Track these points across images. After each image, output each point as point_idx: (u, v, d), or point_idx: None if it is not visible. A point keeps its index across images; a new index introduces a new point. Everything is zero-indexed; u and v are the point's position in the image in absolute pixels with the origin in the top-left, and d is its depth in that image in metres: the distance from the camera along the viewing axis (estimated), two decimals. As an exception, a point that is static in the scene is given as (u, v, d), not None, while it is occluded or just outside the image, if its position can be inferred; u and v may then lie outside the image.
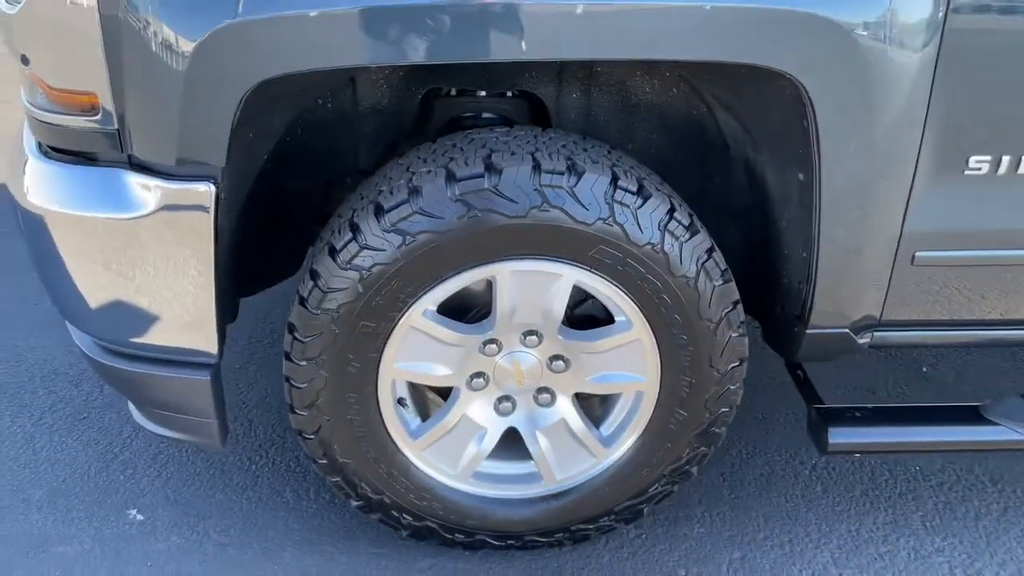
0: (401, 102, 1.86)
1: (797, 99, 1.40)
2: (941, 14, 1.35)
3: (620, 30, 1.33)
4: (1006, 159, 1.46)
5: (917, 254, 1.55)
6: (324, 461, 1.66)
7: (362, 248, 1.46)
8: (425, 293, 1.50)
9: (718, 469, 2.10)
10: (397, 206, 1.45)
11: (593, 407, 1.75)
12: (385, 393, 1.60)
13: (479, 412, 1.67)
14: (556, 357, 1.64)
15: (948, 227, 1.54)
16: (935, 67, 1.38)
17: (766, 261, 1.76)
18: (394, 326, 1.52)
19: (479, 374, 1.64)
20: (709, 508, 1.99)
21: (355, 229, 1.47)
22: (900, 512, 2.02)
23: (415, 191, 1.45)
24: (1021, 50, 1.40)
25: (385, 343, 1.54)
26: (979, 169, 1.47)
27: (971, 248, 1.57)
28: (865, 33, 1.33)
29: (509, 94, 1.87)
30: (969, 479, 2.12)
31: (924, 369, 2.54)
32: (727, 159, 1.79)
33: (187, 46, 1.28)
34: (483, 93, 1.85)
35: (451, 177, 1.44)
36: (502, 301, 1.54)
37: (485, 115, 1.86)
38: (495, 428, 1.69)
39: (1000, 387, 2.41)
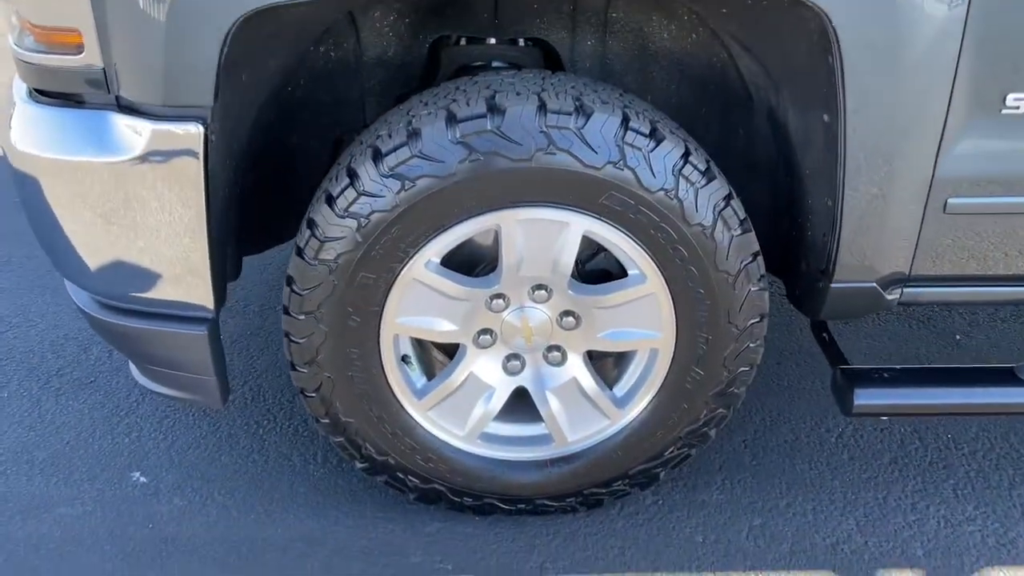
0: (408, 52, 1.79)
1: (821, 31, 1.30)
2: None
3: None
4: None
5: (950, 201, 1.45)
6: (327, 420, 1.60)
7: (360, 195, 1.39)
8: (427, 243, 1.43)
9: (740, 436, 2.02)
10: (395, 149, 1.38)
11: (606, 367, 1.67)
12: (388, 349, 1.54)
13: (486, 371, 1.60)
14: (566, 313, 1.56)
15: (983, 172, 1.43)
16: (970, -3, 1.27)
17: (790, 215, 1.66)
18: (395, 278, 1.46)
19: (486, 331, 1.57)
20: (730, 475, 1.91)
21: (352, 175, 1.40)
22: (930, 480, 1.92)
23: (414, 134, 1.37)
24: None
25: (386, 296, 1.47)
26: (1018, 108, 1.37)
27: (1009, 195, 1.46)
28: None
29: (521, 42, 1.79)
30: (1004, 447, 2.01)
31: (958, 337, 2.43)
32: (750, 109, 1.70)
33: (169, -21, 1.22)
34: (493, 40, 1.77)
35: (452, 118, 1.37)
36: (508, 252, 1.47)
37: (496, 64, 1.78)
38: (503, 388, 1.62)
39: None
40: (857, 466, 1.95)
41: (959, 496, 1.88)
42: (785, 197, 1.66)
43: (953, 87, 1.35)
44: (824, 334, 1.84)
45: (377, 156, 1.39)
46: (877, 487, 1.89)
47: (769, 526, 1.79)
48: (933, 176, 1.42)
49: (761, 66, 1.56)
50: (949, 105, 1.36)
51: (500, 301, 1.54)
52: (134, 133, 1.33)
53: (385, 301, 1.48)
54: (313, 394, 1.57)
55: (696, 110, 1.78)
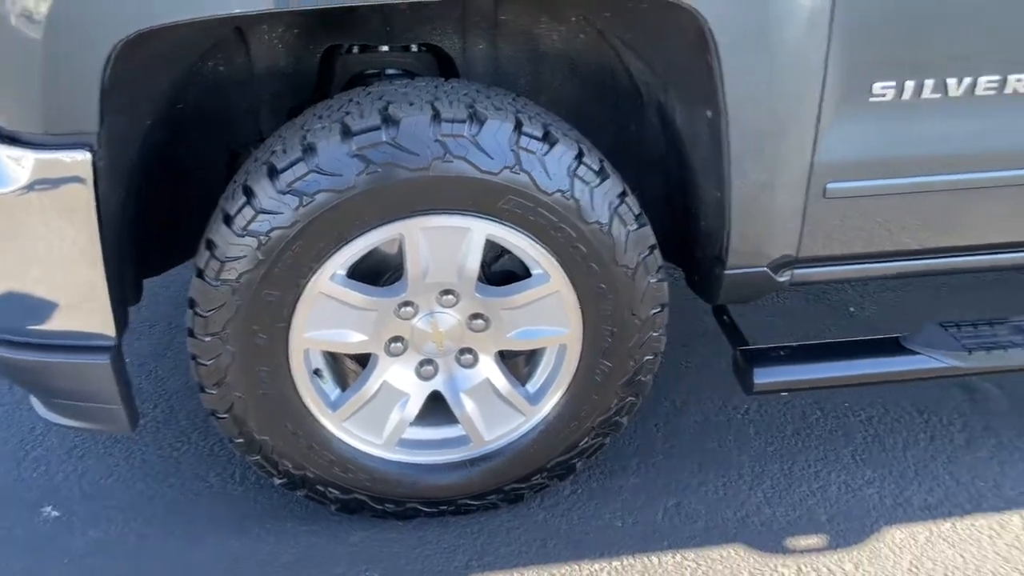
0: (300, 62, 1.77)
1: (698, 31, 1.36)
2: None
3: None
4: (910, 84, 1.45)
5: (829, 186, 1.54)
6: (241, 440, 1.59)
7: (258, 213, 1.38)
8: (331, 256, 1.44)
9: (652, 420, 2.09)
10: (291, 165, 1.37)
11: (517, 365, 1.71)
12: (298, 364, 1.53)
13: (400, 378, 1.61)
14: (475, 316, 1.59)
15: (858, 157, 1.53)
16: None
17: (683, 206, 1.73)
18: (301, 293, 1.45)
19: (397, 339, 1.58)
20: (644, 459, 1.98)
21: (249, 193, 1.39)
22: (831, 448, 2.03)
23: (310, 148, 1.37)
24: None
25: (292, 312, 1.47)
26: (884, 96, 1.46)
27: (883, 177, 1.56)
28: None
29: (414, 48, 1.80)
30: (896, 411, 2.15)
31: (851, 309, 2.57)
32: (641, 106, 1.76)
33: (43, 2, 1.18)
34: (386, 48, 1.78)
35: (347, 132, 1.37)
36: (413, 260, 1.48)
37: (389, 71, 1.79)
38: (418, 393, 1.64)
39: (920, 318, 2.45)
40: (763, 440, 2.05)
41: (858, 461, 2.00)
42: (678, 189, 1.72)
43: (825, 79, 1.43)
44: (725, 317, 1.93)
45: (273, 173, 1.38)
46: (782, 459, 2.00)
47: (684, 505, 1.86)
48: (812, 164, 1.51)
49: (647, 65, 1.62)
50: (822, 96, 1.44)
51: (409, 308, 1.55)
52: (17, 164, 1.28)
53: (292, 317, 1.47)
54: (225, 415, 1.55)
55: (589, 108, 1.83)
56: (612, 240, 1.51)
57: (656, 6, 1.34)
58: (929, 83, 1.45)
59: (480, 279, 1.56)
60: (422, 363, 1.62)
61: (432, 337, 1.58)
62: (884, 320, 2.51)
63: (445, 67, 1.80)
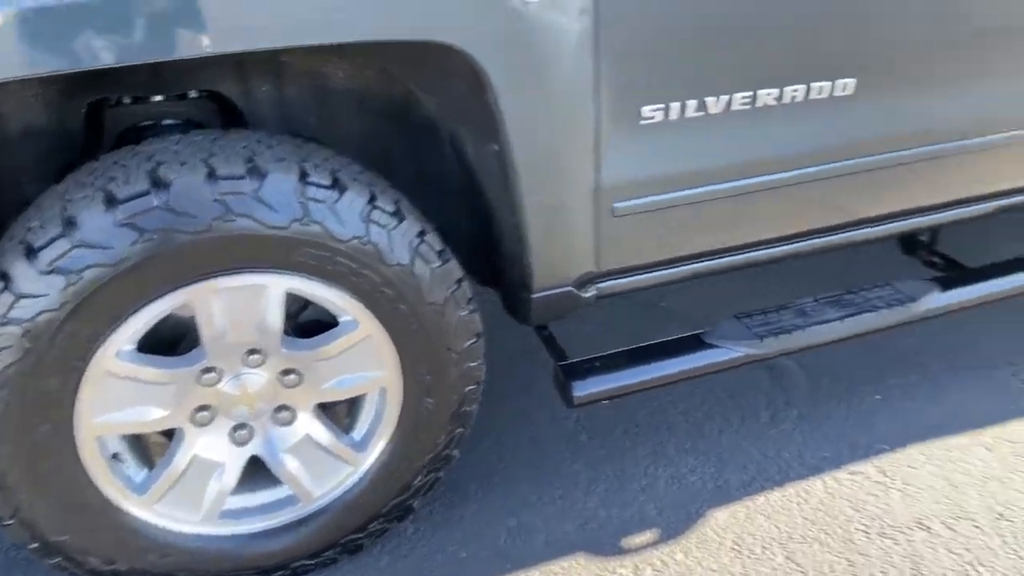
0: (63, 119, 1.62)
1: (474, 72, 1.38)
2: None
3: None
4: (675, 106, 1.54)
5: (615, 205, 1.61)
6: (35, 545, 1.43)
7: (18, 298, 1.24)
8: (112, 333, 1.32)
9: (487, 442, 2.10)
10: (51, 242, 1.25)
11: (338, 414, 1.66)
12: (91, 453, 1.40)
13: (212, 448, 1.52)
14: (287, 371, 1.52)
15: (638, 175, 1.60)
16: (596, 23, 1.41)
17: (488, 233, 1.75)
18: (82, 376, 1.33)
19: (203, 407, 1.48)
20: (482, 483, 1.99)
21: (5, 277, 1.25)
22: (657, 442, 2.14)
23: (70, 222, 1.26)
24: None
25: (75, 398, 1.34)
26: (653, 118, 1.54)
27: (664, 191, 1.65)
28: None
29: (192, 95, 1.69)
30: (711, 399, 2.29)
31: (662, 304, 2.72)
32: (436, 137, 1.75)
33: None
34: (160, 98, 1.66)
35: (111, 200, 1.27)
36: (207, 325, 1.40)
37: (167, 122, 1.68)
38: (235, 461, 1.55)
39: (727, 306, 2.63)
40: (595, 445, 2.13)
41: (681, 452, 2.11)
42: (480, 218, 1.74)
43: (598, 107, 1.49)
44: (545, 332, 1.97)
45: (31, 252, 1.25)
46: (613, 461, 2.07)
47: (524, 523, 1.89)
48: (597, 186, 1.57)
49: (433, 101, 1.62)
50: (597, 123, 1.50)
51: (212, 374, 1.46)
52: None
53: (75, 403, 1.34)
54: (11, 521, 1.39)
55: (385, 143, 1.81)
56: (417, 280, 1.50)
57: (429, 50, 1.34)
58: (691, 103, 1.55)
59: (287, 332, 1.50)
60: (235, 428, 1.53)
61: (242, 400, 1.50)
62: (693, 309, 2.68)
63: (228, 113, 1.71)
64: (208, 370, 1.45)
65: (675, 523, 1.90)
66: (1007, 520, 1.89)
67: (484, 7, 1.30)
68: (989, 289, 2.14)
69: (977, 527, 1.87)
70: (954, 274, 2.17)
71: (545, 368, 2.36)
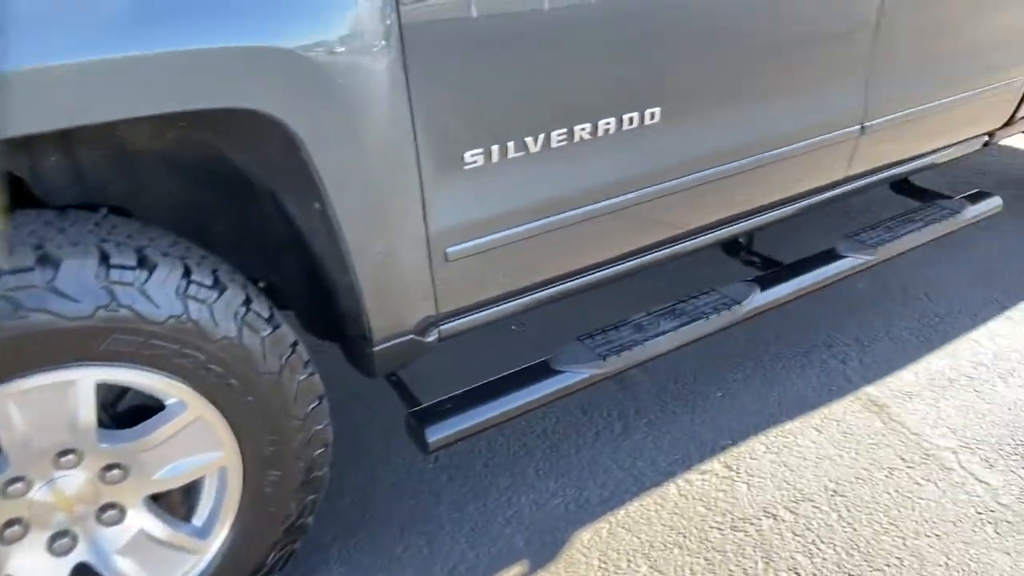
0: None
1: (284, 132, 1.33)
2: (392, 17, 1.35)
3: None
4: (495, 148, 1.56)
5: (448, 250, 1.61)
6: None
7: None
8: None
9: (346, 499, 2.04)
10: None
11: (174, 502, 1.55)
12: None
13: (28, 566, 1.37)
14: (109, 467, 1.40)
15: (468, 219, 1.61)
16: (406, 74, 1.40)
17: (322, 288, 1.70)
18: None
19: (12, 522, 1.34)
20: (345, 542, 1.93)
21: None
22: (517, 470, 2.16)
23: None
24: (476, 41, 1.47)
25: None
26: (476, 162, 1.55)
27: (495, 231, 1.66)
28: (324, 56, 1.29)
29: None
30: (565, 417, 2.35)
31: (512, 327, 2.75)
32: (256, 195, 1.68)
33: None
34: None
35: None
36: (6, 433, 1.26)
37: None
38: (59, 574, 1.41)
39: (572, 328, 2.70)
40: (456, 483, 2.12)
41: (541, 475, 2.15)
42: (312, 274, 1.68)
43: (418, 157, 1.48)
44: (394, 377, 1.94)
45: None
46: (476, 496, 2.08)
47: (392, 577, 1.85)
48: (427, 234, 1.56)
49: (247, 160, 1.55)
50: (420, 172, 1.49)
51: (20, 484, 1.32)
52: None
53: None
54: None
55: (203, 204, 1.71)
56: (247, 351, 1.42)
57: (231, 114, 1.27)
58: (511, 145, 1.57)
59: (105, 425, 1.38)
60: (54, 538, 1.39)
61: (59, 506, 1.37)
62: (544, 329, 2.73)
63: (15, 189, 1.55)
64: (14, 480, 1.31)
65: (542, 550, 1.93)
66: (840, 496, 2.06)
67: (286, 69, 1.26)
68: (803, 283, 2.32)
69: (816, 507, 2.03)
70: (771, 272, 2.34)
71: (400, 409, 2.34)
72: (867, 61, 2.12)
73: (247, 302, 1.44)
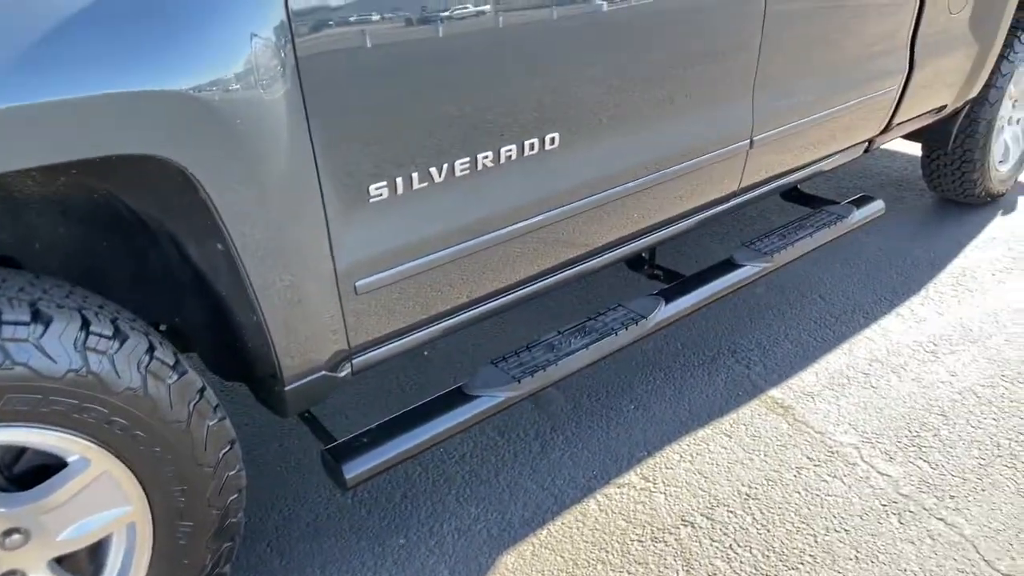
0: None
1: (182, 174, 1.33)
2: (287, 50, 1.38)
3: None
4: (399, 180, 1.61)
5: (358, 284, 1.64)
6: None
7: None
8: None
9: (263, 542, 2.03)
10: None
11: (80, 562, 1.51)
12: None
13: (-79, 646, 1.32)
14: (8, 532, 1.36)
15: (377, 251, 1.65)
16: (305, 109, 1.43)
17: (229, 329, 1.69)
18: None
19: (-97, 601, 1.29)
20: (264, 588, 1.92)
21: None
22: (438, 498, 2.20)
23: None
24: (374, 73, 1.52)
25: None
26: (381, 195, 1.60)
27: (404, 262, 1.70)
28: (218, 95, 1.30)
29: None
30: (483, 440, 2.40)
31: (425, 353, 2.79)
32: (154, 237, 1.66)
33: None
34: None
35: None
36: None
37: None
38: (-43, 650, 1.36)
39: (484, 350, 2.76)
40: (377, 518, 2.13)
41: (462, 502, 2.19)
42: (217, 314, 1.68)
43: (322, 192, 1.51)
44: (307, 414, 1.95)
45: None
46: (398, 529, 2.10)
47: (316, 621, 1.86)
48: (335, 269, 1.59)
49: (143, 204, 1.54)
50: (324, 208, 1.52)
51: (-91, 560, 1.27)
52: None
53: None
54: None
55: (99, 249, 1.68)
56: (152, 401, 1.42)
57: (127, 158, 1.28)
58: (415, 176, 1.62)
59: (2, 487, 1.34)
60: (-49, 613, 1.35)
61: (-46, 580, 1.33)
62: (454, 353, 2.78)
63: None
64: (-97, 556, 1.26)
65: (468, 578, 1.97)
66: (753, 499, 2.19)
67: (178, 111, 1.27)
68: (705, 293, 2.46)
69: (731, 512, 2.15)
70: (675, 284, 2.47)
71: (315, 444, 2.35)
72: (753, 78, 2.28)
73: (150, 350, 1.43)
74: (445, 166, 1.67)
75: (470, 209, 1.76)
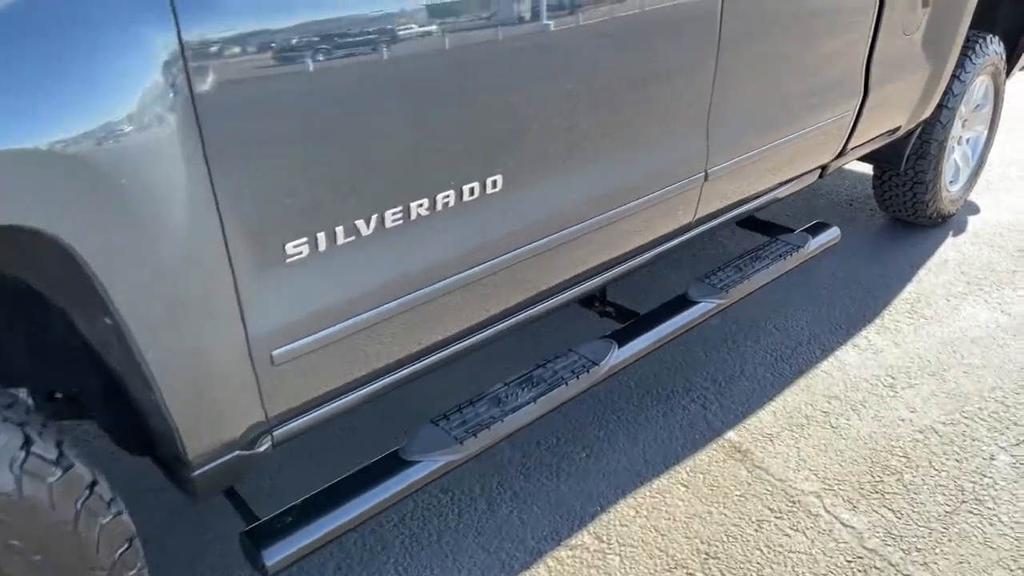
0: None
1: (59, 244, 1.16)
2: (184, 92, 1.21)
3: None
4: (320, 236, 1.45)
5: (275, 353, 1.48)
6: None
7: None
8: None
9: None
10: None
11: None
12: None
13: None
14: None
15: (295, 316, 1.49)
16: (205, 159, 1.27)
17: (129, 408, 1.52)
18: None
19: None
20: None
21: None
22: (375, 569, 2.04)
23: None
24: (289, 115, 1.36)
25: None
26: (300, 253, 1.44)
27: (329, 325, 1.55)
28: (95, 150, 1.12)
29: None
30: (424, 498, 2.25)
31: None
32: (45, 308, 1.48)
33: None
34: None
35: None
36: None
37: None
38: None
39: (423, 401, 2.61)
40: (304, 596, 1.97)
41: (402, 571, 2.04)
42: (116, 393, 1.50)
43: (229, 254, 1.34)
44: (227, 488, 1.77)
45: None
46: (328, 608, 1.94)
47: None
48: (247, 340, 1.42)
49: (25, 275, 1.35)
50: (233, 272, 1.36)
51: None
52: None
53: None
54: None
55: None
56: (30, 503, 1.23)
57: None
58: (339, 230, 1.47)
59: None
60: None
61: None
62: (393, 402, 2.62)
63: None
64: None
65: (408, 663, 1.83)
66: (713, 558, 2.09)
67: (45, 173, 1.09)
68: (659, 334, 2.36)
69: (690, 574, 2.05)
70: (628, 325, 2.36)
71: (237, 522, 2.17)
72: (707, 109, 2.19)
73: (26, 444, 1.25)
74: (374, 218, 1.52)
75: (405, 263, 1.61)
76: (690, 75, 2.10)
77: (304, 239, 1.44)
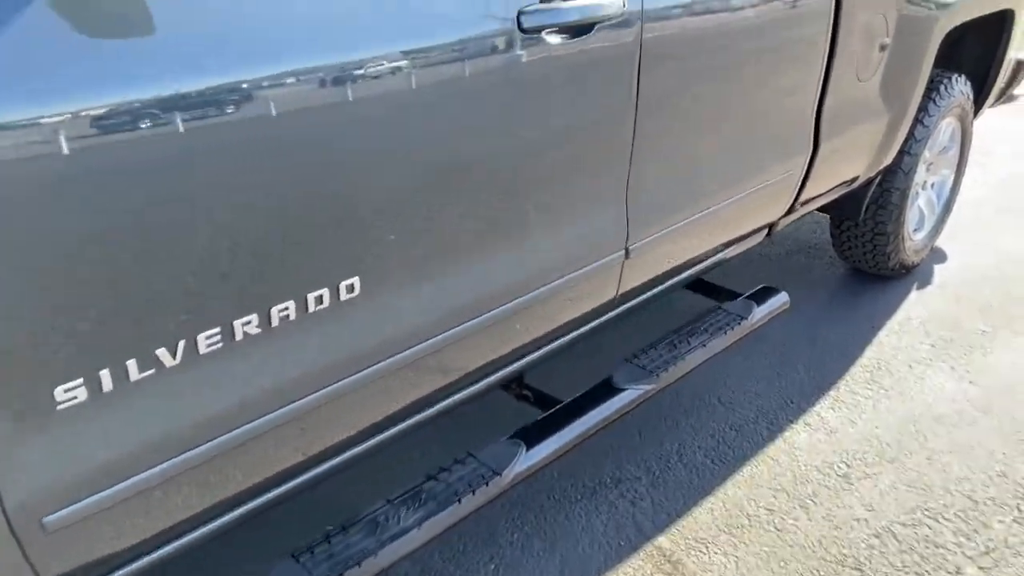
0: None
1: None
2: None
3: None
4: (104, 373, 1.16)
5: (46, 520, 1.19)
6: None
7: None
8: None
9: None
10: None
11: None
12: None
13: None
14: None
15: (72, 474, 1.19)
16: None
17: None
18: None
19: None
20: None
21: None
22: None
23: None
24: (49, 203, 1.07)
25: None
26: (75, 398, 1.15)
27: (123, 478, 1.25)
28: None
29: None
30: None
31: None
32: None
33: None
34: None
35: None
36: None
37: None
38: None
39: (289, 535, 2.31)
40: None
41: None
42: None
43: None
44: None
45: None
46: None
47: None
48: (5, 510, 1.13)
49: None
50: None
51: None
52: None
53: None
54: None
55: None
56: None
57: None
58: (132, 364, 1.18)
59: None
60: None
61: None
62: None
63: None
64: None
65: None
66: None
67: None
68: (576, 431, 2.09)
69: None
70: (537, 422, 2.09)
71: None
72: (624, 179, 1.93)
73: None
74: (182, 344, 1.23)
75: (232, 391, 1.32)
76: (601, 139, 1.84)
77: (79, 380, 1.15)
